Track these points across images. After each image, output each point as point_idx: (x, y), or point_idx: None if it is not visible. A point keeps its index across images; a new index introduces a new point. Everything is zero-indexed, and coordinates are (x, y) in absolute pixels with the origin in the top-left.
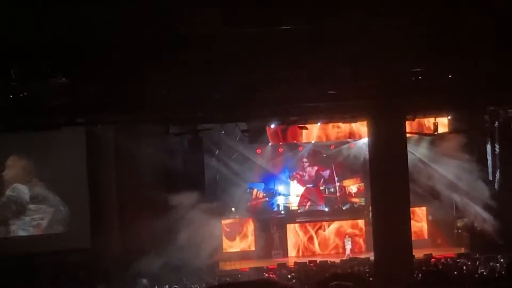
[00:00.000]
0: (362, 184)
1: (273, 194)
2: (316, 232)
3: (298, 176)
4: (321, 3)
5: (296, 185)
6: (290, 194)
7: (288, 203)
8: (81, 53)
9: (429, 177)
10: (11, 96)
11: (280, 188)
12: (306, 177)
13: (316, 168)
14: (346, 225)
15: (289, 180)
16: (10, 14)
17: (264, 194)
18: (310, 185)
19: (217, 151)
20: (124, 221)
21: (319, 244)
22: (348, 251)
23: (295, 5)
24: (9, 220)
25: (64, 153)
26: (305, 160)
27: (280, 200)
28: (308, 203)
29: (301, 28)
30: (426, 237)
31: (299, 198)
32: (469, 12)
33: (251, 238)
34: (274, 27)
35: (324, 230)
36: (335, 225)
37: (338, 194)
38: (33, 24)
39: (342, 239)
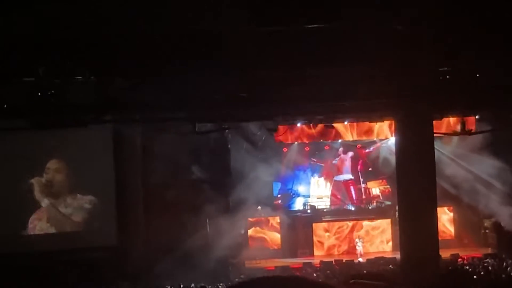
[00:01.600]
0: (388, 186)
1: (291, 195)
2: (341, 231)
3: (327, 169)
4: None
5: (318, 186)
6: (311, 195)
7: (313, 202)
8: (108, 51)
9: (457, 177)
10: (39, 93)
11: (300, 188)
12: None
13: (351, 153)
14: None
15: (311, 178)
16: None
17: (280, 195)
18: (340, 179)
19: (243, 150)
20: (149, 219)
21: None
22: (359, 252)
23: (322, 4)
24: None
25: (91, 151)
26: (340, 149)
27: (300, 201)
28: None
29: (329, 26)
30: (453, 237)
31: (328, 198)
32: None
33: (277, 237)
34: (301, 25)
35: (350, 229)
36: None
37: (363, 196)
38: (60, 21)
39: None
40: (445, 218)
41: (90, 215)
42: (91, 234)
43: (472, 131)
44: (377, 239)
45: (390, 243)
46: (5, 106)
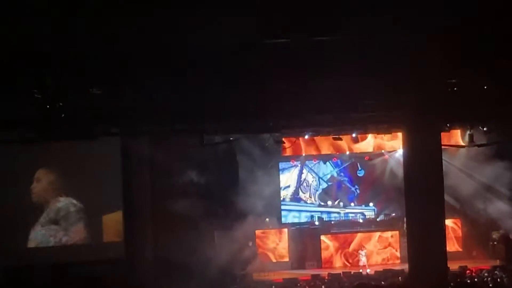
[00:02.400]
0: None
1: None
2: (349, 243)
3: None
4: (355, 14)
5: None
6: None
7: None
8: (117, 63)
9: (465, 189)
10: (47, 106)
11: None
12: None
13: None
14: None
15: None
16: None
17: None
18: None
19: (251, 162)
20: (157, 231)
21: (352, 256)
22: (362, 264)
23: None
24: (41, 229)
25: (100, 163)
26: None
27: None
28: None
29: (335, 39)
30: (461, 249)
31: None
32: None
33: (285, 249)
34: (309, 37)
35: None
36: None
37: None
38: (68, 34)
39: (378, 250)
40: (454, 230)
41: (97, 227)
42: (97, 248)
43: (480, 143)
44: (385, 251)
45: (398, 255)
46: (14, 118)
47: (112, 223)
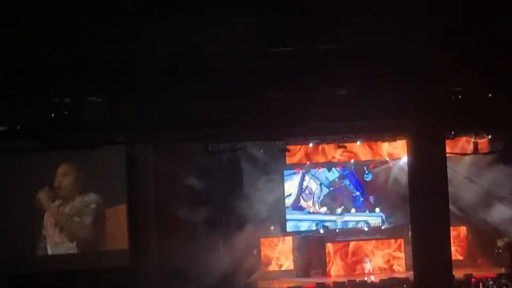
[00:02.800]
0: None
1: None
2: (354, 251)
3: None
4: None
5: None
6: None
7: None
8: (121, 71)
9: (469, 196)
10: (52, 114)
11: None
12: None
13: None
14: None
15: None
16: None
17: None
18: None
19: (255, 170)
20: (162, 240)
21: (356, 264)
22: (367, 272)
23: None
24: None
25: (104, 172)
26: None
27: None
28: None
29: (339, 47)
30: (466, 257)
31: None
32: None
33: (290, 257)
34: (312, 45)
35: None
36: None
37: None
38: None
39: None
40: (458, 238)
41: (102, 235)
42: (102, 255)
43: (484, 151)
44: (390, 259)
45: (403, 263)
46: (18, 127)
47: (117, 231)
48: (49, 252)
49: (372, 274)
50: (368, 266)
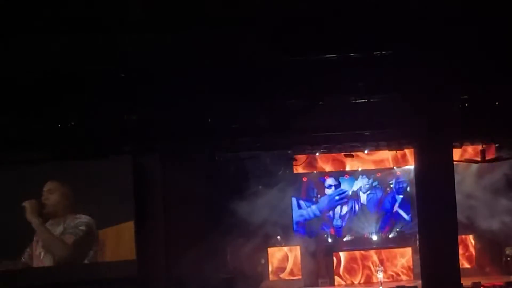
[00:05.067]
0: None
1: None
2: (362, 260)
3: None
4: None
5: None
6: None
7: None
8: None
9: (477, 205)
10: (59, 125)
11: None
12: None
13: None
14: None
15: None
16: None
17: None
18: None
19: (262, 179)
20: (169, 249)
21: (365, 272)
22: (379, 281)
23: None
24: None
25: (111, 182)
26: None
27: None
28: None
29: (348, 55)
30: (474, 266)
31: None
32: None
33: (297, 266)
34: (320, 55)
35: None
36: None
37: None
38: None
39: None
40: (466, 246)
41: (109, 246)
42: (110, 265)
43: (492, 159)
44: (398, 268)
45: (411, 272)
46: (25, 138)
47: (124, 241)
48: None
49: (382, 283)
50: (380, 276)
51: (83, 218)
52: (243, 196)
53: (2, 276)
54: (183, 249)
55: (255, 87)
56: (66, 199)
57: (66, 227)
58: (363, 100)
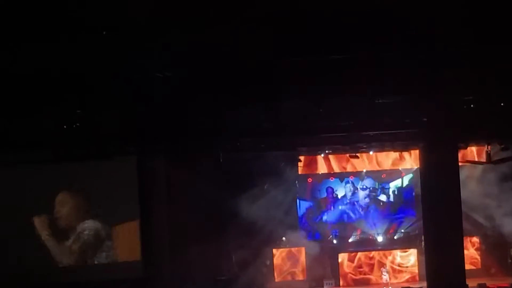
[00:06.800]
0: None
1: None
2: (367, 261)
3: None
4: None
5: None
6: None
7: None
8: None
9: (482, 206)
10: (64, 126)
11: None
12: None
13: None
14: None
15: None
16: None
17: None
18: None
19: (267, 180)
20: (175, 250)
21: (370, 273)
22: (385, 281)
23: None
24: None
25: (116, 183)
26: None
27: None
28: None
29: (353, 56)
30: (480, 267)
31: None
32: None
33: (302, 267)
34: (325, 56)
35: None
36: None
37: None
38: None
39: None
40: (472, 247)
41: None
42: (116, 267)
43: (497, 160)
44: (403, 269)
45: (417, 273)
46: (30, 139)
47: (130, 242)
48: (63, 264)
49: (389, 284)
50: (385, 277)
51: (90, 223)
52: (248, 197)
53: (9, 276)
54: (188, 250)
55: (260, 88)
56: (78, 211)
57: (74, 235)
58: (368, 101)
